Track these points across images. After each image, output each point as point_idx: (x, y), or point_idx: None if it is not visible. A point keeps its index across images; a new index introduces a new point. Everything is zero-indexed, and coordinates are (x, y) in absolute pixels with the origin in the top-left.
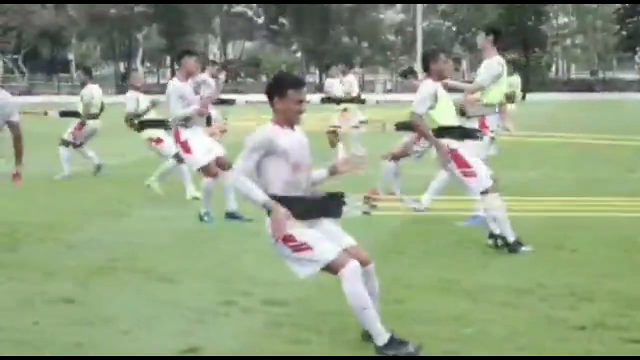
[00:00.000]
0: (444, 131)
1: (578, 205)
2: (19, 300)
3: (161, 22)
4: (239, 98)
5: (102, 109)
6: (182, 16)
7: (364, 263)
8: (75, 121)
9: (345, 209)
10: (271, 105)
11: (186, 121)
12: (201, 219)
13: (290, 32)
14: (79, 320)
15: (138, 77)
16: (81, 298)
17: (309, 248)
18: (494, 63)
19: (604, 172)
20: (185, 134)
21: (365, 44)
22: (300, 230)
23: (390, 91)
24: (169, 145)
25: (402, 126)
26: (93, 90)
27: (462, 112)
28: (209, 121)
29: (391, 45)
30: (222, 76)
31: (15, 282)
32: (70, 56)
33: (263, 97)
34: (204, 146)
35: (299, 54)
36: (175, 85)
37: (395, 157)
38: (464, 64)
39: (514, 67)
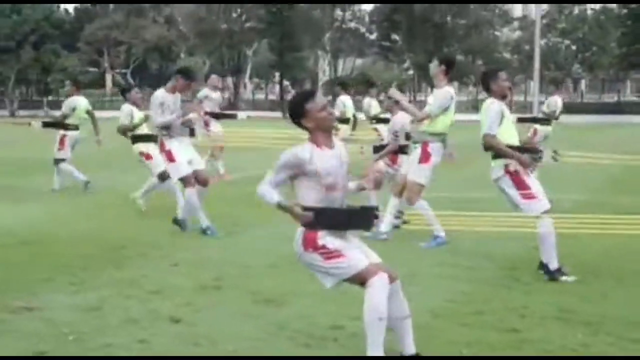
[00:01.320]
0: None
1: None
2: (125, 318)
3: (271, 37)
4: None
5: (94, 121)
6: (293, 32)
7: (390, 279)
8: (56, 137)
9: (376, 221)
10: (303, 128)
11: (168, 131)
12: (204, 232)
13: (403, 49)
14: (184, 340)
15: (136, 97)
16: (187, 317)
17: (341, 255)
18: (443, 93)
19: None
20: (169, 143)
21: (480, 62)
22: (331, 239)
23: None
24: (157, 162)
25: (378, 149)
26: (77, 102)
27: (407, 136)
28: (192, 132)
29: (507, 63)
30: (218, 93)
31: (121, 299)
32: None
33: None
34: (187, 157)
35: (410, 71)
36: (157, 94)
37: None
38: (583, 84)
39: (555, 86)
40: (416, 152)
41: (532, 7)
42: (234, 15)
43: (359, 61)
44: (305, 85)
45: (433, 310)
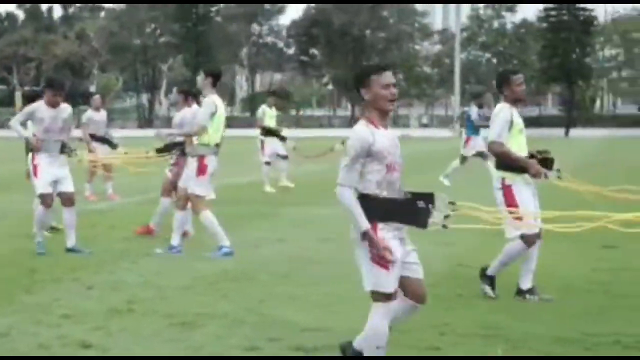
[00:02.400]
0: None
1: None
2: (34, 344)
3: (186, 53)
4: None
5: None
6: (208, 47)
7: (419, 299)
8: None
9: (430, 220)
10: (362, 100)
11: (36, 144)
12: (68, 250)
13: (322, 64)
14: None
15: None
16: (99, 342)
17: (385, 267)
18: (208, 102)
19: None
20: (38, 158)
21: (400, 76)
22: (389, 236)
23: (425, 125)
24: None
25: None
26: None
27: (183, 152)
28: (63, 149)
29: (428, 77)
30: (102, 113)
31: (31, 324)
32: (92, 88)
33: (293, 133)
34: (52, 176)
35: (330, 86)
36: (34, 104)
37: None
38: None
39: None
40: (193, 165)
41: (452, 21)
42: (148, 30)
43: (277, 76)
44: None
45: (354, 330)
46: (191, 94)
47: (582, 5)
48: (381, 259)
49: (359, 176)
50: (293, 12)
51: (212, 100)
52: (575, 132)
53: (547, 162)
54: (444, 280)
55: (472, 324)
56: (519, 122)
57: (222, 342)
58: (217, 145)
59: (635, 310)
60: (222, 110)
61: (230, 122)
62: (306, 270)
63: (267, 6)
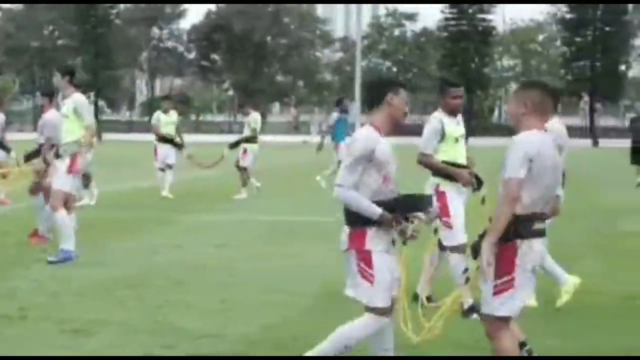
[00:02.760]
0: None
1: None
2: None
3: (85, 55)
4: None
5: None
6: (107, 50)
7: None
8: None
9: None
10: (373, 108)
11: None
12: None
13: (222, 69)
14: None
15: None
16: None
17: (370, 280)
18: (83, 101)
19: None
20: None
21: (301, 83)
22: (379, 255)
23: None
24: None
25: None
26: None
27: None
28: None
29: (329, 84)
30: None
31: None
32: None
33: (192, 138)
34: None
35: (230, 92)
36: None
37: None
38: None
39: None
40: (64, 162)
41: (353, 28)
42: (46, 32)
43: (177, 81)
44: (122, 105)
45: (248, 337)
46: (55, 96)
47: (481, 16)
48: (367, 274)
49: (358, 179)
50: (194, 17)
51: (77, 97)
52: (473, 141)
53: (478, 180)
54: (340, 287)
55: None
56: (453, 131)
57: (116, 350)
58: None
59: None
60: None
61: (130, 127)
62: (202, 277)
63: (167, 10)
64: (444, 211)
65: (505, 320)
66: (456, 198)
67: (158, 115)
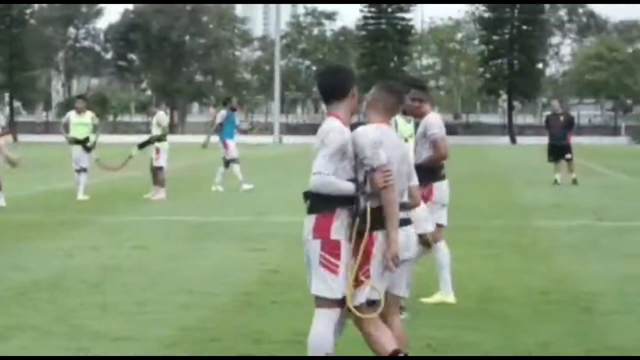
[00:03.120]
0: None
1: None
2: None
3: (0, 56)
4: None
5: None
6: (22, 50)
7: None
8: None
9: None
10: (339, 99)
11: None
12: None
13: (140, 69)
14: None
15: None
16: None
17: (335, 272)
18: None
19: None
20: None
21: (220, 82)
22: (345, 245)
23: (245, 132)
24: None
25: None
26: None
27: None
28: None
29: (247, 83)
30: None
31: None
32: None
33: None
34: None
35: (149, 92)
36: None
37: None
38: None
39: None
40: None
41: (272, 27)
42: None
43: (94, 81)
44: (38, 106)
45: (164, 340)
46: None
47: (400, 15)
48: (332, 265)
49: (334, 169)
50: (111, 16)
51: None
52: None
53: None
54: (257, 287)
55: (288, 331)
56: (404, 131)
57: (30, 355)
58: None
59: (442, 316)
60: None
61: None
62: (118, 279)
63: (84, 9)
64: None
65: (366, 307)
66: None
67: (69, 115)
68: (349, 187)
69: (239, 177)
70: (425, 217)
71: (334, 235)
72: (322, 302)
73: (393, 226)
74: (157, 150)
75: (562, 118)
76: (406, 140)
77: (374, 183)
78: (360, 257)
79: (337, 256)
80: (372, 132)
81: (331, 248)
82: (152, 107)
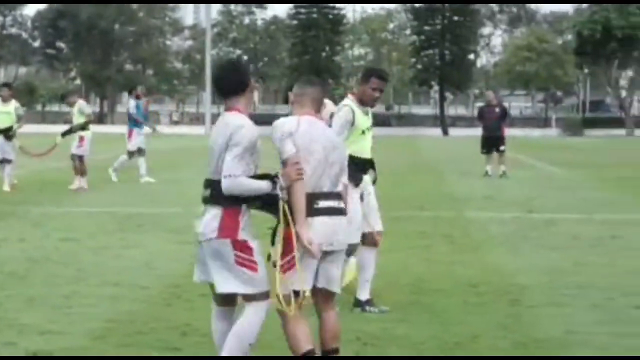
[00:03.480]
0: None
1: None
2: None
3: None
4: None
5: None
6: None
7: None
8: None
9: None
10: (238, 93)
11: None
12: None
13: (69, 58)
14: None
15: None
16: None
17: (254, 269)
18: None
19: (395, 211)
20: None
21: (150, 72)
22: (256, 243)
23: (177, 123)
24: None
25: None
26: None
27: None
28: None
29: (178, 73)
30: None
31: None
32: None
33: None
34: None
35: (78, 81)
36: None
37: None
38: (256, 95)
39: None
40: None
41: (203, 16)
42: None
43: (22, 69)
44: None
45: (92, 332)
46: None
47: (331, 5)
48: (249, 262)
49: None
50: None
51: None
52: None
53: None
54: (185, 280)
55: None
56: (362, 122)
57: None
58: None
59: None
60: None
61: None
62: (45, 271)
63: None
64: None
65: (291, 299)
66: (355, 193)
67: None
68: (262, 186)
69: (115, 165)
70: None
71: (241, 235)
72: (249, 297)
73: (299, 219)
74: (82, 139)
75: (497, 109)
76: (363, 132)
77: (286, 175)
78: (282, 248)
79: (252, 254)
80: (285, 125)
81: (243, 247)
82: (70, 97)
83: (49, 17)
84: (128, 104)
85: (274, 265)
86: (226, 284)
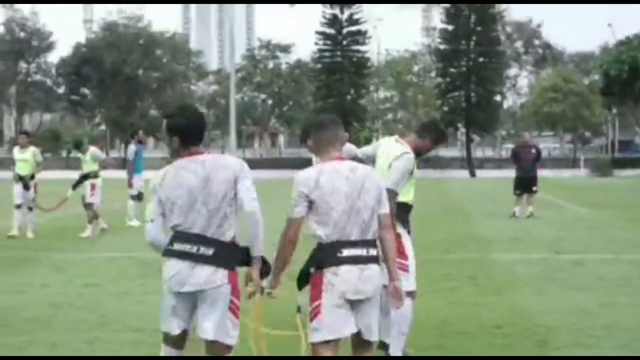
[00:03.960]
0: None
1: None
2: None
3: None
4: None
5: None
6: None
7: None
8: None
9: None
10: (200, 141)
11: None
12: None
13: (93, 104)
14: None
15: None
16: None
17: (237, 316)
18: None
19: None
20: None
21: None
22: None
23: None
24: None
25: None
26: None
27: None
28: None
29: None
30: None
31: None
32: None
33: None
34: None
35: (103, 127)
36: None
37: None
38: (281, 139)
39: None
40: None
41: (227, 61)
42: None
43: (47, 116)
44: None
45: None
46: None
47: (355, 47)
48: (237, 310)
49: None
50: (62, 50)
51: None
52: None
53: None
54: None
55: None
56: (416, 172)
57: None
58: None
59: None
60: None
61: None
62: (68, 316)
63: (34, 42)
64: (403, 252)
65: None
66: (409, 240)
67: (14, 150)
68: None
69: (129, 212)
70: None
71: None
72: (229, 348)
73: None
74: (93, 187)
75: (533, 150)
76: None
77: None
78: (310, 295)
79: (239, 300)
80: (302, 183)
81: (238, 295)
82: (85, 145)
83: (73, 64)
84: (128, 149)
85: (298, 311)
86: (218, 331)
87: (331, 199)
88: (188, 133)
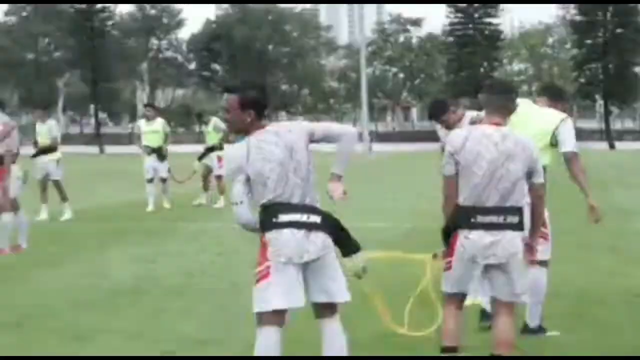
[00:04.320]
0: None
1: None
2: None
3: (83, 68)
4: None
5: None
6: (105, 62)
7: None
8: None
9: None
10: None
11: None
12: None
13: (224, 79)
14: None
15: None
16: None
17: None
18: None
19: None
20: None
21: (306, 91)
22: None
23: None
24: None
25: None
26: None
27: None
28: None
29: (334, 92)
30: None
31: None
32: None
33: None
34: None
35: None
36: None
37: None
38: (414, 112)
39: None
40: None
41: (357, 35)
42: (41, 44)
43: (179, 92)
44: (122, 118)
45: (244, 339)
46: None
47: (487, 20)
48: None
49: None
50: (192, 26)
51: None
52: None
53: None
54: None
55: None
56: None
57: (116, 355)
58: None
59: None
60: None
61: (131, 139)
62: (201, 284)
63: (165, 20)
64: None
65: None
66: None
67: (139, 124)
68: None
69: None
70: None
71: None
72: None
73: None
74: (220, 159)
75: None
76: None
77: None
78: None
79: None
80: (449, 144)
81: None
82: (206, 116)
83: (204, 40)
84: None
85: (434, 257)
86: (344, 292)
87: (473, 164)
88: (262, 106)
